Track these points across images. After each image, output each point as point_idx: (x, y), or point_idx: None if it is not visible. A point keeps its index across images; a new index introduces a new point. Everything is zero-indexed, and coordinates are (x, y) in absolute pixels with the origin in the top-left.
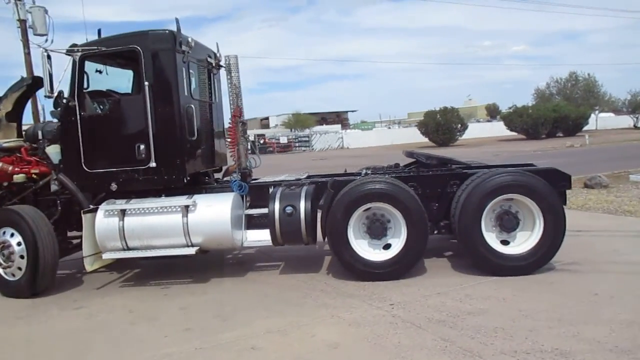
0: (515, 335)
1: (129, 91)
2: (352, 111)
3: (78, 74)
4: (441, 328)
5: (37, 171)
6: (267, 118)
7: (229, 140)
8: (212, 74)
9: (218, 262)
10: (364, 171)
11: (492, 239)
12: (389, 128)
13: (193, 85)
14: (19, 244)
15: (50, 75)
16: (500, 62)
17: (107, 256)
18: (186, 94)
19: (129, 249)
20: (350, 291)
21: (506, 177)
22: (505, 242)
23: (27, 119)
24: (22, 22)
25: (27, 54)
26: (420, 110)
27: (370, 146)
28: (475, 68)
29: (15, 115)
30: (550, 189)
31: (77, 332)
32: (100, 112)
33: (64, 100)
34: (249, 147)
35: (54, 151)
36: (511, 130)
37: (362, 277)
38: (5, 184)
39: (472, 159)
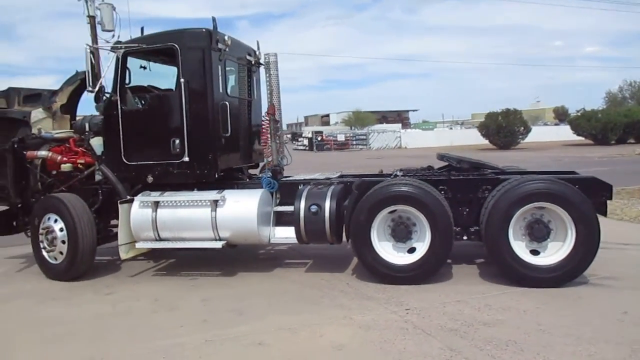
0: (527, 349)
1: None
2: (413, 110)
3: (120, 70)
4: (452, 337)
5: (82, 161)
6: (327, 115)
7: (262, 137)
8: (251, 72)
9: (249, 257)
10: (395, 172)
11: (520, 248)
12: (451, 129)
13: (231, 83)
14: (61, 229)
15: (93, 71)
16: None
17: (140, 245)
18: (221, 91)
19: (161, 239)
20: (369, 293)
21: (537, 184)
22: (535, 252)
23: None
24: (92, 19)
25: (96, 49)
26: (484, 112)
27: (429, 146)
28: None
29: (69, 107)
30: (584, 198)
31: (102, 316)
32: (140, 107)
33: (105, 95)
34: (281, 144)
35: (97, 143)
36: (578, 135)
37: (384, 279)
38: (54, 172)
39: (510, 164)
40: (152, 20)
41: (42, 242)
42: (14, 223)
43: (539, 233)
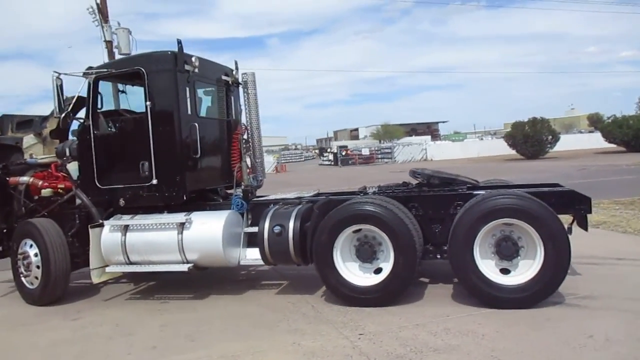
0: None
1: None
2: (443, 122)
3: (92, 95)
4: None
5: (62, 186)
6: (356, 129)
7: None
8: (230, 92)
9: (227, 278)
10: (366, 190)
11: (489, 266)
12: (481, 139)
13: (206, 104)
14: (35, 255)
15: (59, 96)
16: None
17: (111, 269)
18: (189, 112)
19: (131, 263)
20: (330, 317)
21: (502, 199)
22: (506, 271)
23: None
24: (108, 43)
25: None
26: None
27: (455, 158)
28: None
29: (60, 133)
30: (552, 215)
31: (57, 343)
32: (111, 131)
33: (70, 120)
34: (258, 162)
35: (73, 167)
36: (610, 142)
37: (348, 302)
38: (36, 197)
39: (495, 178)
40: (184, 41)
41: (19, 267)
42: (0, 248)
43: (506, 251)
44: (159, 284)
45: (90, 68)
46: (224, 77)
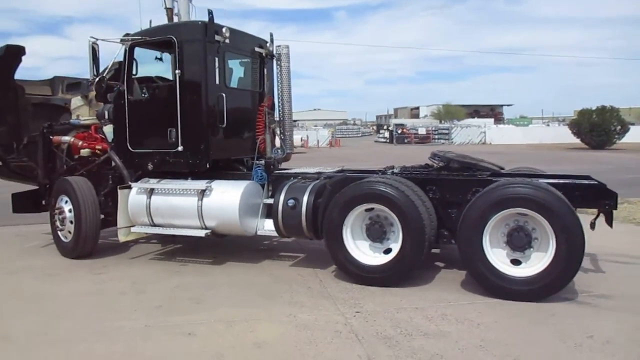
0: None
1: None
2: (508, 105)
3: (127, 61)
4: (380, 345)
5: (100, 147)
6: (417, 108)
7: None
8: (263, 64)
9: (248, 246)
10: (386, 169)
11: (499, 256)
12: (548, 125)
13: (238, 74)
14: (69, 210)
15: (94, 61)
16: None
17: (136, 230)
18: (217, 82)
19: (154, 225)
20: (333, 292)
21: (514, 188)
22: (516, 262)
23: None
24: (169, 10)
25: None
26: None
27: (515, 143)
28: None
29: (104, 96)
30: (566, 207)
31: (78, 294)
32: (143, 97)
33: (103, 85)
34: (276, 135)
35: (108, 130)
36: None
37: (355, 279)
38: (76, 156)
39: (523, 166)
40: (252, 11)
41: (55, 221)
42: (43, 202)
43: (518, 241)
44: (183, 247)
45: (127, 35)
46: (257, 49)
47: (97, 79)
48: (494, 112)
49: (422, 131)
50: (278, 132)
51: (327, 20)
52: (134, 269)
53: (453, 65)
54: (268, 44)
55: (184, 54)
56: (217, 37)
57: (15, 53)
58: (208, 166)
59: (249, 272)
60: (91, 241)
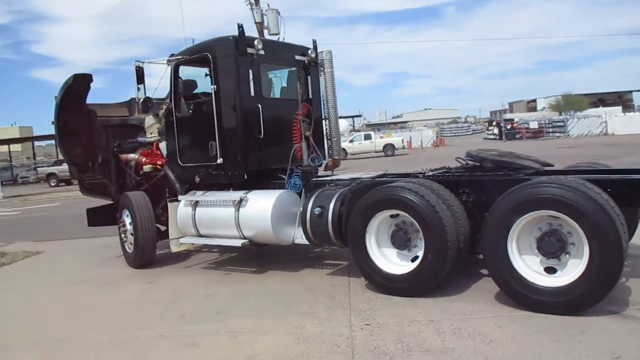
0: None
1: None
2: (638, 90)
3: (173, 80)
4: (388, 359)
5: (160, 163)
6: (534, 100)
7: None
8: (307, 71)
9: (299, 254)
10: (422, 172)
11: (529, 263)
12: None
13: (280, 84)
14: (130, 223)
15: (141, 83)
16: None
17: (184, 240)
18: (252, 94)
19: (201, 235)
20: (355, 303)
21: (539, 188)
22: (551, 270)
23: None
24: (259, 24)
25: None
26: None
27: None
28: None
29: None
30: (599, 209)
31: (121, 303)
32: (188, 113)
33: (150, 105)
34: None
35: (163, 146)
36: None
37: (380, 289)
38: (141, 172)
39: (583, 162)
40: (359, 16)
41: (121, 233)
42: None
43: (549, 247)
44: (238, 256)
45: (172, 55)
46: (299, 58)
47: (142, 99)
48: (621, 100)
49: (534, 125)
50: (311, 140)
51: (436, 17)
52: (180, 278)
53: (574, 52)
54: (310, 51)
55: (218, 69)
56: (249, 50)
57: (83, 81)
58: (245, 177)
59: (284, 281)
60: (149, 251)
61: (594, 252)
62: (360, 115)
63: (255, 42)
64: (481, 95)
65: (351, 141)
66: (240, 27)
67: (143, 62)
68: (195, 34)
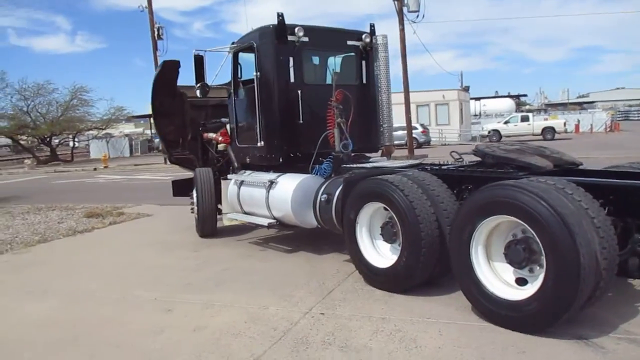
0: None
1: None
2: None
3: (233, 66)
4: (285, 349)
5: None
6: None
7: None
8: (362, 56)
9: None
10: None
11: (495, 271)
12: None
13: (318, 71)
14: (195, 196)
15: (198, 70)
16: None
17: (231, 216)
18: (292, 80)
19: (245, 212)
20: (336, 292)
21: (500, 190)
22: (523, 282)
23: None
24: (398, 2)
25: (402, 30)
26: None
27: None
28: None
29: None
30: (554, 218)
31: (157, 267)
32: (242, 97)
33: (207, 89)
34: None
35: (228, 128)
36: None
37: (367, 280)
38: (219, 150)
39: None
40: None
41: (191, 204)
42: None
43: (515, 256)
44: (290, 234)
45: (233, 43)
46: (351, 43)
47: (199, 84)
48: None
49: None
50: (343, 127)
51: None
52: (223, 250)
53: None
54: (365, 36)
55: (260, 56)
56: (290, 38)
57: (173, 66)
58: (280, 161)
59: (299, 263)
60: (209, 223)
61: (550, 268)
62: (525, 95)
63: (296, 29)
64: None
65: (506, 122)
66: (280, 15)
67: (205, 51)
68: (368, 9)
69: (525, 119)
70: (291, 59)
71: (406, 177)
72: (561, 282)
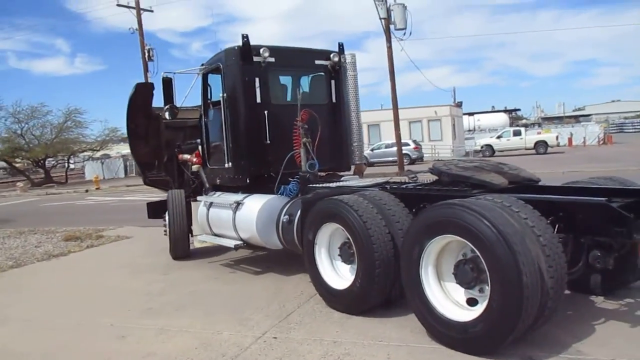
0: None
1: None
2: None
3: (202, 87)
4: None
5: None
6: None
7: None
8: (330, 76)
9: None
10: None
11: (447, 291)
12: None
13: (287, 91)
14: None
15: (167, 92)
16: None
17: (201, 238)
18: (258, 101)
19: (215, 234)
20: (294, 315)
21: (444, 209)
22: (473, 302)
23: None
24: (385, 20)
25: (389, 47)
26: None
27: None
28: None
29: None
30: (499, 240)
31: (124, 290)
32: (211, 118)
33: (176, 111)
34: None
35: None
36: None
37: (328, 303)
38: (192, 171)
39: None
40: (545, 1)
41: (164, 227)
42: None
43: (463, 276)
44: (261, 255)
45: (202, 64)
46: (319, 62)
47: (168, 106)
48: None
49: None
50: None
51: None
52: (192, 272)
53: None
54: (333, 55)
55: (226, 77)
56: (255, 59)
57: (145, 89)
58: (248, 182)
59: (265, 284)
60: (181, 245)
61: (494, 288)
62: (519, 110)
63: (262, 50)
64: None
65: (499, 137)
66: (244, 36)
67: (174, 73)
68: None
69: (517, 133)
70: (257, 80)
71: (362, 196)
72: (505, 302)
